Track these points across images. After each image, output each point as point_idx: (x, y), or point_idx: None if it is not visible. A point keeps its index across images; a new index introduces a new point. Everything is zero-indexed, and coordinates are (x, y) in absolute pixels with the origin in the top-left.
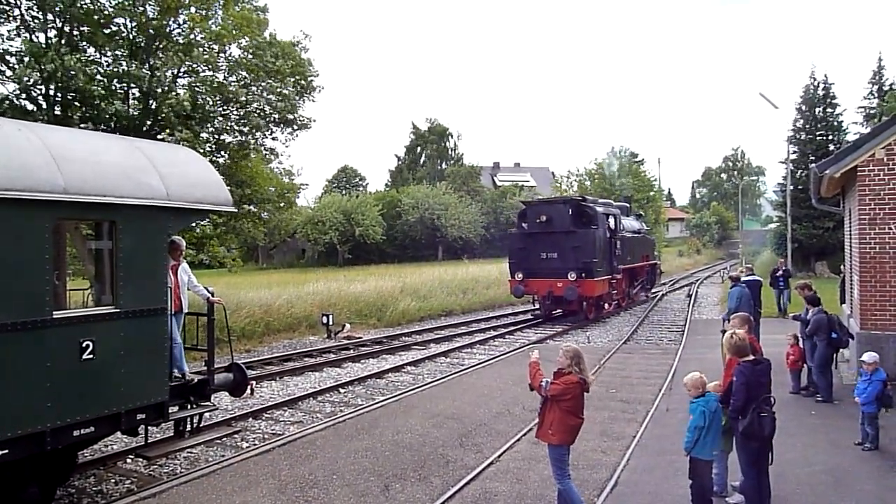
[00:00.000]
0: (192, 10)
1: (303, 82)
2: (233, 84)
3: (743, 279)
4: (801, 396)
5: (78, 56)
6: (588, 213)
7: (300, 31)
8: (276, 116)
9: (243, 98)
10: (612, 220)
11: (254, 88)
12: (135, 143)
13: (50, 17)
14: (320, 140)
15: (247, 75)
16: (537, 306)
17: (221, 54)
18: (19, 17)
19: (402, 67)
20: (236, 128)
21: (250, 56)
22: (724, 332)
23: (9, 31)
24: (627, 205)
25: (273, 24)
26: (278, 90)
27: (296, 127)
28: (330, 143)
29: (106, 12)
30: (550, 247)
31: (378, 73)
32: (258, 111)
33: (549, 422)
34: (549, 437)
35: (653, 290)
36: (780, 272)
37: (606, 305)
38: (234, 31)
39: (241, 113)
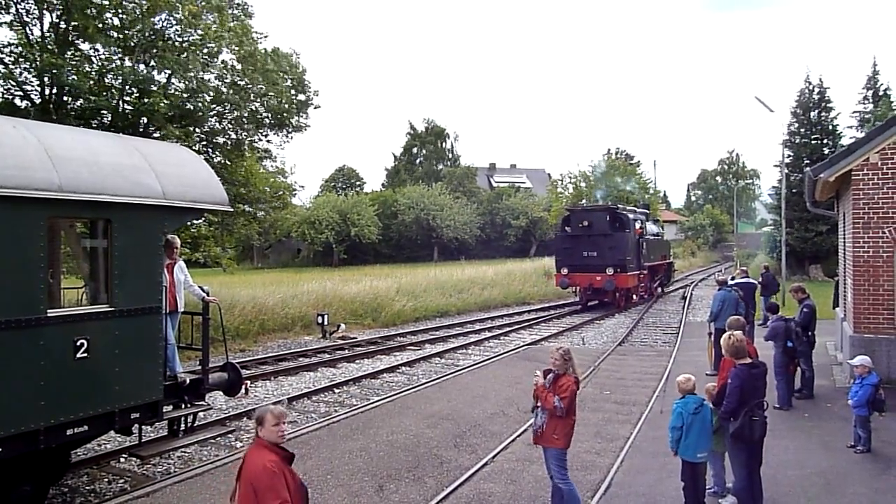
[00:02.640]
0: (186, 12)
1: (301, 97)
2: (224, 86)
3: (736, 282)
4: (795, 399)
5: (72, 51)
6: (622, 218)
7: (290, 48)
8: (269, 118)
9: (237, 100)
10: (639, 225)
11: (246, 93)
12: (131, 141)
13: (46, 12)
14: (317, 140)
15: (240, 80)
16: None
17: (213, 59)
18: (14, 9)
19: (400, 68)
20: (230, 128)
21: (245, 64)
22: (710, 334)
23: (3, 24)
24: (647, 211)
25: (272, 24)
26: (271, 96)
27: (290, 129)
28: (327, 142)
29: (99, 5)
30: (591, 247)
31: (375, 73)
32: (251, 115)
33: (553, 427)
34: (555, 441)
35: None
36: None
37: (635, 297)
38: (227, 34)
39: (234, 116)
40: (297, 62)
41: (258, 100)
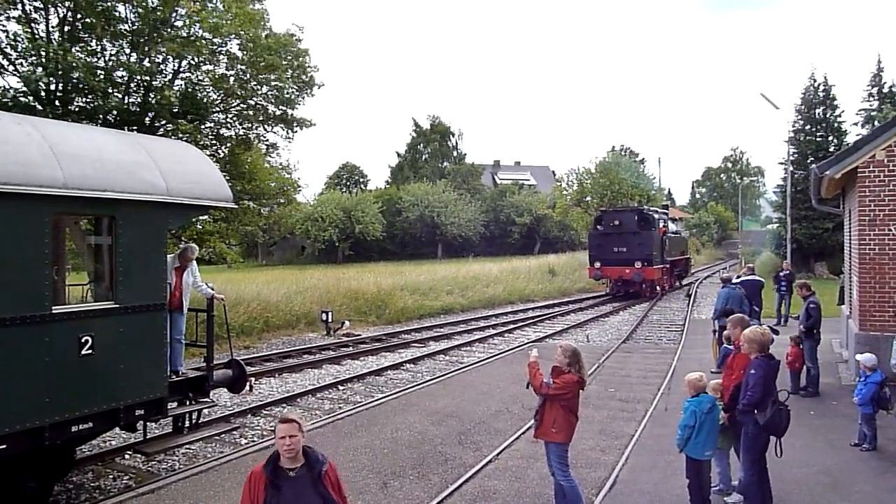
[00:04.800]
0: (193, 3)
1: (303, 77)
2: (231, 77)
3: (742, 279)
4: (800, 397)
5: (80, 46)
6: (648, 218)
7: (293, 24)
8: (275, 111)
9: (241, 93)
10: (662, 224)
11: (253, 84)
12: (136, 138)
13: (52, 7)
14: (322, 136)
15: (245, 69)
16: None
17: (220, 48)
18: (20, 5)
19: (404, 65)
20: (236, 122)
21: (248, 52)
22: (714, 332)
23: (9, 21)
24: (668, 212)
25: (272, 19)
26: (275, 83)
27: (294, 125)
28: (331, 139)
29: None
30: (621, 243)
31: (380, 69)
32: (257, 106)
33: (552, 420)
34: (553, 435)
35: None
36: (783, 275)
37: (659, 288)
38: (234, 22)
39: (241, 108)
40: (297, 39)
41: (262, 87)
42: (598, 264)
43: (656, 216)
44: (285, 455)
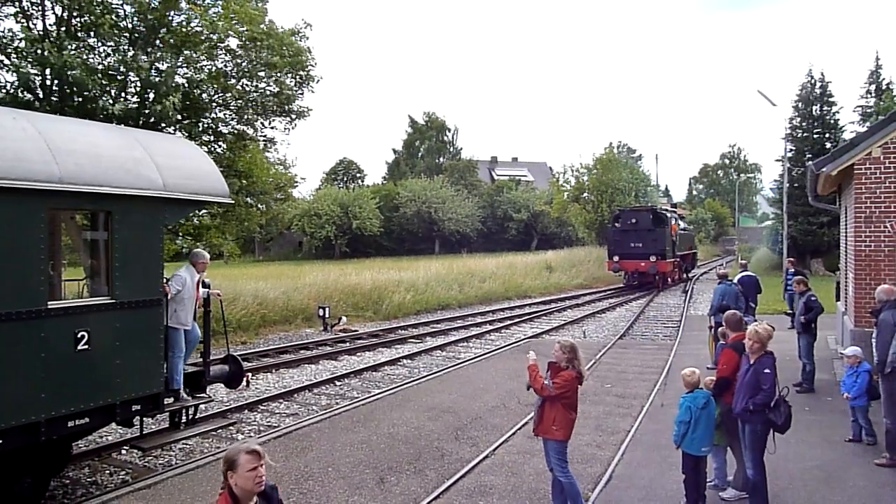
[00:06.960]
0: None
1: (301, 73)
2: (231, 73)
3: (738, 276)
4: (795, 392)
5: (77, 45)
6: (662, 217)
7: (301, 20)
8: (275, 107)
9: (240, 87)
10: (674, 222)
11: (251, 79)
12: (133, 133)
13: (49, 3)
14: (318, 132)
15: (244, 65)
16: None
17: (220, 44)
18: (18, 2)
19: (401, 60)
20: (234, 118)
21: (248, 50)
22: (711, 328)
23: (7, 18)
24: (676, 210)
25: (272, 14)
26: (275, 79)
27: (293, 116)
28: (328, 135)
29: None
30: (637, 239)
31: (376, 66)
32: (256, 101)
33: (552, 418)
34: (554, 433)
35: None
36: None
37: (670, 280)
38: (232, 22)
39: (239, 104)
40: (302, 36)
41: (261, 85)
42: (616, 258)
43: (668, 215)
44: (255, 487)
